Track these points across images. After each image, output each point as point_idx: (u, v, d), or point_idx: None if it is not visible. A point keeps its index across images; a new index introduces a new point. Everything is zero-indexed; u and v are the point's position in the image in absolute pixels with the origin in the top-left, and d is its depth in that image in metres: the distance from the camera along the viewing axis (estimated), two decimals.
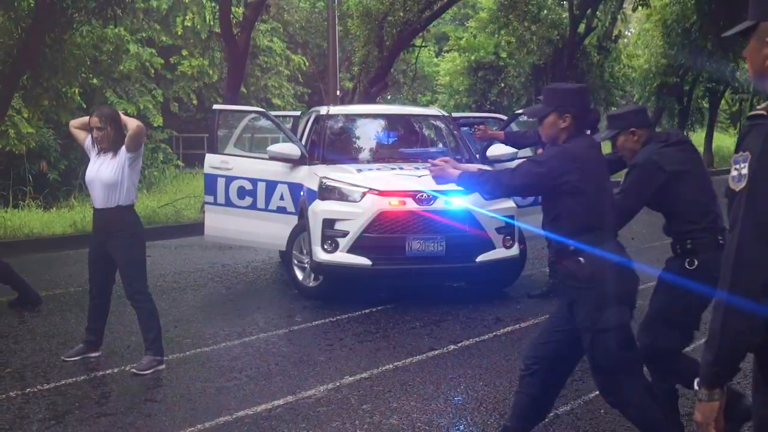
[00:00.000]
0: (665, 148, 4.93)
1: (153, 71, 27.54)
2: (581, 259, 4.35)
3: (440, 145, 11.27)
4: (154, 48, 27.80)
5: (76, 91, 22.75)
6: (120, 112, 6.95)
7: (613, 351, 4.34)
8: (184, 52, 29.15)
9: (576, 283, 4.38)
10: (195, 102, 29.77)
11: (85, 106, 23.72)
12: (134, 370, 6.56)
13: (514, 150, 10.01)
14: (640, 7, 24.16)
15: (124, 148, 6.64)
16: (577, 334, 4.46)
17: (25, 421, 5.51)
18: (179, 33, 28.45)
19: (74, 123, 7.10)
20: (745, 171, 2.53)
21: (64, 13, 14.74)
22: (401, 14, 21.37)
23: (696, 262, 4.83)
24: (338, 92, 25.07)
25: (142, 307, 6.76)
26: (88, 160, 6.83)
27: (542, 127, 4.57)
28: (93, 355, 6.96)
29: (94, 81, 23.36)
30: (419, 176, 9.21)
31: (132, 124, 6.66)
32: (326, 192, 9.16)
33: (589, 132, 10.02)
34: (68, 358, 6.90)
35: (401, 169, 9.76)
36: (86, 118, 6.88)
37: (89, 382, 6.38)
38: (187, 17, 28.14)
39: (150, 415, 5.67)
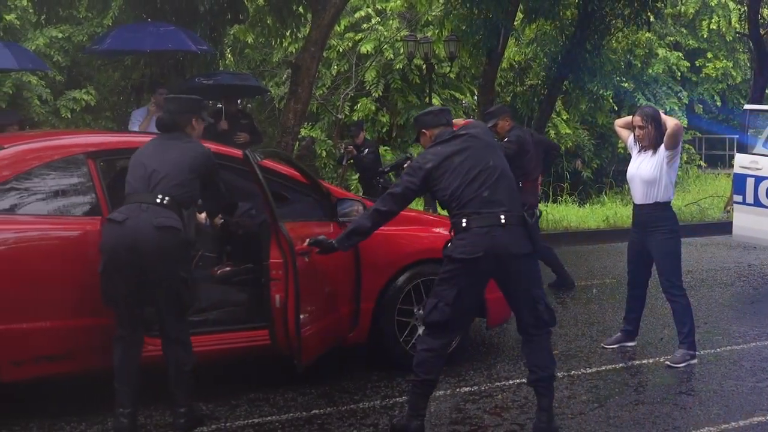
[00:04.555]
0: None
1: (679, 74, 26.90)
2: None
3: None
4: (681, 51, 27.15)
5: (611, 94, 23.01)
6: (660, 112, 6.76)
7: None
8: (709, 55, 28.10)
9: None
10: (719, 103, 28.55)
11: (616, 109, 23.87)
12: (668, 363, 6.41)
13: None
14: None
15: (663, 146, 6.45)
16: None
17: (572, 401, 5.63)
18: (704, 36, 27.53)
19: (619, 122, 7.17)
20: None
21: (602, 19, 14.94)
22: None
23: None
24: None
25: (676, 301, 6.54)
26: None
27: None
28: (629, 344, 6.91)
29: (626, 84, 23.36)
30: None
31: (671, 122, 6.47)
32: None
33: None
34: (608, 345, 6.92)
35: None
36: (629, 118, 6.84)
37: (627, 370, 6.34)
38: (713, 20, 27.11)
39: (684, 407, 5.50)
